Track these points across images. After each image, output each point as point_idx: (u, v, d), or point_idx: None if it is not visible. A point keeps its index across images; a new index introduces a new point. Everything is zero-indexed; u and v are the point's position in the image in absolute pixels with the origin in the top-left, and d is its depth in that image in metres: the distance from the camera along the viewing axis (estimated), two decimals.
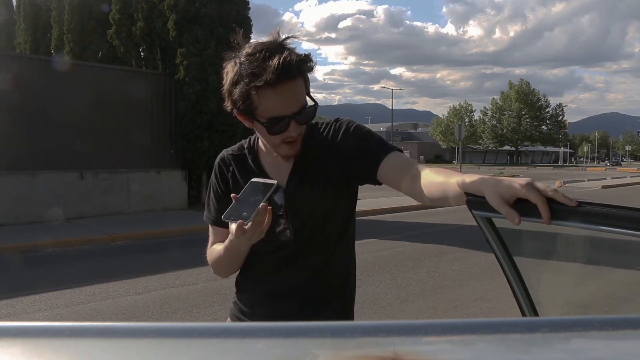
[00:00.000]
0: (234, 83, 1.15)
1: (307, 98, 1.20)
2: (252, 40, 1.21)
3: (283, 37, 1.17)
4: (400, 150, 1.28)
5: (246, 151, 1.35)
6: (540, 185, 0.87)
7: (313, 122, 1.36)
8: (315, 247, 1.31)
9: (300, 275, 1.31)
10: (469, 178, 0.98)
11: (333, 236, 1.33)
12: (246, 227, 1.07)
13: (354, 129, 1.29)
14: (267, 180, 1.12)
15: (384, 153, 1.23)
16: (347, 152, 1.26)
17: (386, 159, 1.22)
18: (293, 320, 0.42)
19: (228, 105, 1.19)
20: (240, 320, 1.37)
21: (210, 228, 1.37)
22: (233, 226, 1.08)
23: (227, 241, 1.20)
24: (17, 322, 0.41)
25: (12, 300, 4.82)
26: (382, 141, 1.28)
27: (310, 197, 1.29)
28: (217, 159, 1.39)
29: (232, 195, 1.13)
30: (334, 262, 1.34)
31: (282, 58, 1.10)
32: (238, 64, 1.15)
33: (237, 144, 1.40)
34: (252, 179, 1.14)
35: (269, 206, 1.10)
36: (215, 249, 1.32)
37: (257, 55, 1.12)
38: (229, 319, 1.42)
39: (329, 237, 1.32)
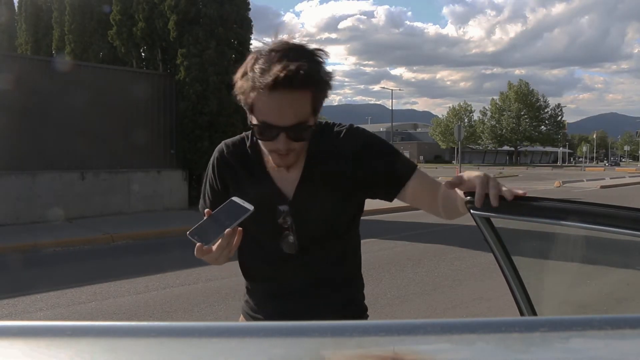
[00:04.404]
0: (243, 74, 1.10)
1: (313, 116, 1.12)
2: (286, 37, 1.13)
3: (313, 47, 1.10)
4: (415, 165, 1.25)
5: (249, 149, 1.27)
6: (492, 180, 0.99)
7: (329, 122, 1.31)
8: (321, 257, 1.27)
9: (305, 284, 1.27)
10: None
11: (339, 247, 1.30)
12: (209, 249, 1.05)
13: (375, 146, 1.24)
14: (245, 204, 1.07)
15: (407, 177, 1.21)
16: (366, 171, 1.21)
17: (409, 183, 1.20)
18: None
19: (234, 92, 1.15)
20: (252, 317, 1.35)
21: None
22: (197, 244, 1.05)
23: None
24: (19, 321, 0.41)
25: (13, 299, 4.82)
26: (403, 161, 1.24)
27: (319, 209, 1.23)
28: (215, 151, 1.31)
29: (207, 210, 1.09)
30: (341, 272, 1.31)
31: (289, 65, 1.03)
32: (256, 57, 1.09)
33: (239, 137, 1.32)
34: (232, 197, 1.10)
35: (239, 227, 1.07)
36: None
37: (274, 54, 1.06)
38: (241, 317, 1.40)
39: (335, 248, 1.29)
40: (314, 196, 1.22)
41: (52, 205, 9.27)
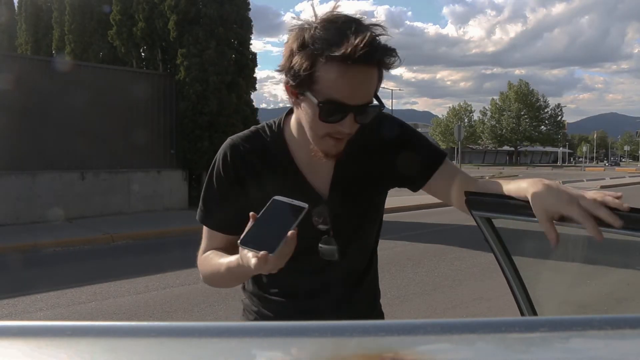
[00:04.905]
0: (301, 46, 0.94)
1: (374, 98, 1.01)
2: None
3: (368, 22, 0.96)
4: (445, 154, 1.16)
5: (270, 143, 1.11)
6: (589, 201, 0.80)
7: None
8: (354, 264, 1.18)
9: (338, 295, 1.17)
10: (516, 184, 0.93)
11: (370, 251, 1.23)
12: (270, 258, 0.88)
13: (405, 134, 1.15)
14: (294, 202, 0.92)
15: (435, 166, 1.12)
16: (397, 161, 1.11)
17: (436, 173, 1.12)
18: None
19: (281, 68, 0.99)
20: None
21: (205, 230, 1.16)
22: (249, 254, 0.88)
23: (234, 263, 0.97)
24: (19, 321, 0.41)
25: (13, 299, 4.82)
26: (433, 149, 1.16)
27: (357, 209, 1.13)
28: (226, 148, 1.12)
29: (252, 214, 0.91)
30: (369, 281, 1.24)
31: (369, 36, 0.90)
32: (312, 29, 0.94)
33: (248, 131, 1.14)
34: (274, 197, 0.93)
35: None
36: (211, 261, 1.09)
37: (339, 24, 0.92)
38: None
39: (367, 253, 1.22)
40: (351, 194, 1.10)
41: (52, 205, 9.27)
